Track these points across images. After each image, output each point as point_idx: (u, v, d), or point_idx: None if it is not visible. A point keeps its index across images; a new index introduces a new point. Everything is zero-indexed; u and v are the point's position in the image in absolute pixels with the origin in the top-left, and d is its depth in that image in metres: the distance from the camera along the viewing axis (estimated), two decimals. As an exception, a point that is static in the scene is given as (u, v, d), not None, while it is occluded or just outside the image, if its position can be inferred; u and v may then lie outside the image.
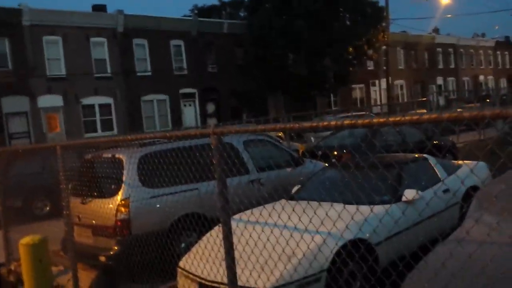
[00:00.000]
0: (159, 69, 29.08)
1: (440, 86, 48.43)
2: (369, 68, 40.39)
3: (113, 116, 27.75)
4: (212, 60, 31.94)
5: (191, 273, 4.41)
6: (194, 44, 30.93)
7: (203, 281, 4.21)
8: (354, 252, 3.89)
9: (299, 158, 8.02)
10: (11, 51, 24.15)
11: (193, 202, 6.01)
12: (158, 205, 5.92)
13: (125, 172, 5.96)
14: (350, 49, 31.47)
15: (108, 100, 27.49)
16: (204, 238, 4.84)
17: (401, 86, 44.59)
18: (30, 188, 10.76)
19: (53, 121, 25.26)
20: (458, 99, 40.60)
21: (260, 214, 4.31)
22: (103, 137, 24.39)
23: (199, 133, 3.60)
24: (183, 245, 5.78)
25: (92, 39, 26.90)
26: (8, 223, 6.38)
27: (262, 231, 4.00)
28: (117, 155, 6.24)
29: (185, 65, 30.80)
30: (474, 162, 6.54)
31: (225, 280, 3.20)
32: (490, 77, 56.67)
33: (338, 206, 4.34)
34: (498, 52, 58.33)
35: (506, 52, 59.91)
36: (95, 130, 26.81)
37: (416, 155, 6.29)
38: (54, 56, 25.58)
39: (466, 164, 6.55)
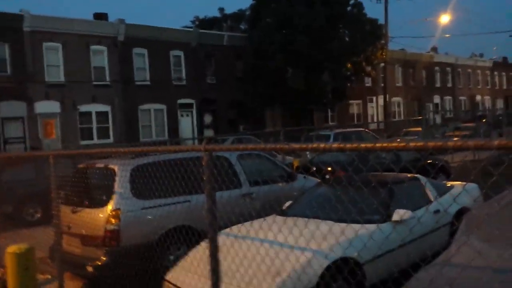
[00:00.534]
0: (158, 79, 29.16)
1: (437, 104, 48.67)
2: (367, 85, 40.62)
3: (110, 124, 27.74)
4: (211, 71, 32.05)
5: (177, 287, 4.39)
6: (194, 55, 31.06)
7: (188, 295, 4.18)
8: (341, 270, 3.88)
9: (291, 173, 8.03)
10: (11, 57, 24.17)
11: (184, 214, 5.98)
12: (149, 217, 5.90)
13: (116, 182, 5.94)
14: (349, 65, 31.69)
15: (106, 108, 27.50)
16: (192, 252, 4.82)
17: (398, 104, 44.81)
18: (21, 194, 10.72)
19: (49, 127, 25.22)
20: (454, 118, 40.81)
21: (249, 230, 4.31)
22: (98, 145, 24.39)
23: (191, 149, 3.63)
24: (172, 257, 5.75)
25: (92, 47, 26.99)
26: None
27: (250, 247, 3.99)
28: (109, 165, 6.23)
29: (184, 76, 30.90)
30: (465, 183, 6.56)
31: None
32: (487, 97, 56.99)
33: (327, 224, 4.33)
34: (496, 73, 58.77)
35: (504, 73, 60.36)
36: (91, 138, 26.76)
37: (408, 175, 6.32)
38: (54, 63, 25.60)
39: (457, 185, 6.57)
